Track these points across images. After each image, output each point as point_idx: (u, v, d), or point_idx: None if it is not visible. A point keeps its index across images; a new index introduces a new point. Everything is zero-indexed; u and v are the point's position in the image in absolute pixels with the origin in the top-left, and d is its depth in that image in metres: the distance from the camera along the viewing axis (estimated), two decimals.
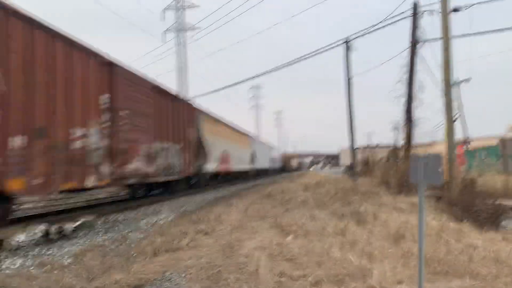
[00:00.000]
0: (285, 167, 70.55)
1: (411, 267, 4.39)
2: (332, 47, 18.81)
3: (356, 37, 18.72)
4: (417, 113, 16.51)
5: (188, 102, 17.06)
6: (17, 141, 6.88)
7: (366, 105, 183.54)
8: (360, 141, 63.06)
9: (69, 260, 5.60)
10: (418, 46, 15.80)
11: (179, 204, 13.13)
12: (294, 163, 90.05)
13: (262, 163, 41.27)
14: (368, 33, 17.25)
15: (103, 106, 9.64)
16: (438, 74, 17.22)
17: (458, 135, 24.19)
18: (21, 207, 10.35)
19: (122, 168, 10.48)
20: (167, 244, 6.13)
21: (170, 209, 11.69)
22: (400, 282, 3.99)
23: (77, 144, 8.54)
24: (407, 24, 15.71)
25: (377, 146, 43.84)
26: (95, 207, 11.27)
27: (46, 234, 7.07)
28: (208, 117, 20.96)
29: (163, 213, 10.70)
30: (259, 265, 4.59)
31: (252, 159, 34.56)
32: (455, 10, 12.72)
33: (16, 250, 6.26)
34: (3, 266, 5.32)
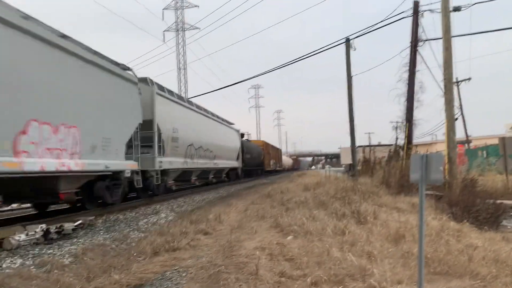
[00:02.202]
0: (263, 168, 39.61)
1: (411, 267, 4.38)
2: (333, 46, 18.78)
3: (357, 36, 18.66)
4: (417, 112, 16.53)
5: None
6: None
7: (367, 105, 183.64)
8: (361, 141, 62.62)
9: (69, 260, 5.61)
10: (418, 45, 15.80)
11: (179, 204, 13.15)
12: (285, 160, 61.90)
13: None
14: (369, 32, 17.26)
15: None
16: (439, 74, 17.21)
17: (459, 134, 24.15)
18: None
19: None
20: (167, 243, 6.14)
21: (170, 209, 11.71)
22: (400, 282, 3.99)
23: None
24: (408, 24, 15.72)
25: (377, 146, 43.73)
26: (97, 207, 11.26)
27: (47, 233, 7.06)
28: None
29: (163, 213, 10.71)
30: (259, 265, 4.58)
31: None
32: (456, 9, 12.71)
33: (17, 249, 6.27)
34: (3, 266, 5.32)
